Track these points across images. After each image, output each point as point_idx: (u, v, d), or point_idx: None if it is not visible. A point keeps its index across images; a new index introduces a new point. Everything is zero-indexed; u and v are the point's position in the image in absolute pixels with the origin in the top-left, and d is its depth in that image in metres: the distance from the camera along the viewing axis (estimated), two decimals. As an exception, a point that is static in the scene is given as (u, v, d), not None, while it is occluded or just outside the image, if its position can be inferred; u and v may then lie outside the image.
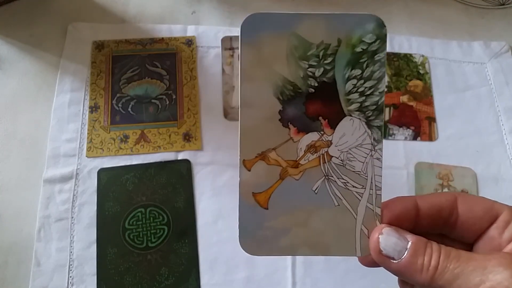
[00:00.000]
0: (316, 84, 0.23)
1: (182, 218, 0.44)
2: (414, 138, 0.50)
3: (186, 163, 0.46)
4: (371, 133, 0.24)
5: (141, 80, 0.49)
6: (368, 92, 0.23)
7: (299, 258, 0.43)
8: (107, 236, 0.43)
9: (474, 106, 0.52)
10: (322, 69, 0.23)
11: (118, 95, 0.49)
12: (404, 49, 0.54)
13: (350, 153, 0.24)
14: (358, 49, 0.23)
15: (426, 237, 0.23)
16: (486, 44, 0.55)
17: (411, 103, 0.51)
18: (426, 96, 0.52)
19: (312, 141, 0.24)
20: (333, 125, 0.24)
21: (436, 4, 0.58)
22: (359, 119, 0.24)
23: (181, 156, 0.46)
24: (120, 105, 0.48)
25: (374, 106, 0.23)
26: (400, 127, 0.50)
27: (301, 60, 0.23)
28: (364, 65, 0.23)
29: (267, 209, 0.24)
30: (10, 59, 0.50)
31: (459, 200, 0.24)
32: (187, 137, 0.47)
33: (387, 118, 0.50)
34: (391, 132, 0.50)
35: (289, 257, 0.43)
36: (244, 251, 0.24)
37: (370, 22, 0.23)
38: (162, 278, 0.41)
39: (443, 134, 0.50)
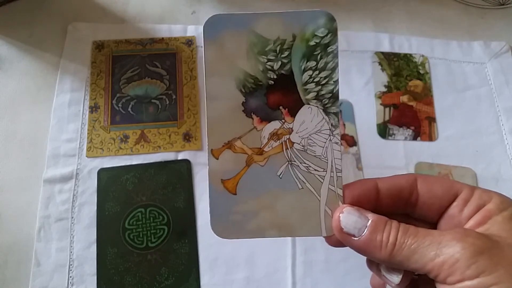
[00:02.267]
0: (275, 77, 0.25)
1: (182, 218, 0.44)
2: (414, 138, 0.50)
3: (186, 163, 0.46)
4: (329, 119, 0.25)
5: (141, 80, 0.49)
6: (324, 82, 0.25)
7: (299, 258, 0.43)
8: (107, 236, 0.43)
9: (474, 106, 0.52)
10: (280, 63, 0.25)
11: (118, 95, 0.49)
12: (404, 49, 0.54)
13: (310, 139, 0.25)
14: (312, 43, 0.25)
15: (390, 217, 0.23)
16: (486, 44, 0.55)
17: (411, 103, 0.51)
18: (426, 96, 0.52)
19: (275, 129, 0.25)
20: (293, 114, 0.25)
21: (436, 4, 0.58)
22: (317, 107, 0.25)
23: (181, 156, 0.46)
24: (120, 105, 0.48)
25: (330, 94, 0.25)
26: (400, 127, 0.50)
27: (260, 55, 0.25)
28: (318, 57, 0.25)
29: (236, 194, 0.25)
30: (10, 59, 0.50)
31: (419, 180, 0.25)
32: (187, 137, 0.47)
33: (387, 118, 0.50)
34: (391, 132, 0.50)
35: (289, 257, 0.43)
36: (215, 235, 0.25)
37: (322, 17, 0.24)
38: (162, 278, 0.41)
39: (443, 134, 0.50)
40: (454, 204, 0.24)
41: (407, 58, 0.54)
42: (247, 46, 0.24)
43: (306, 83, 0.25)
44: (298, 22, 0.24)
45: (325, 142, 0.25)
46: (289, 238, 0.44)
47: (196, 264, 0.42)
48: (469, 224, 0.23)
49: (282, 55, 0.25)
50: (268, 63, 0.25)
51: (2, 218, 0.43)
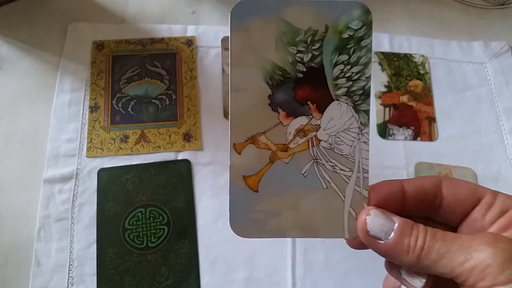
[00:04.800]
0: (305, 70, 0.24)
1: (182, 218, 0.44)
2: (414, 138, 0.50)
3: (186, 163, 0.46)
4: (358, 117, 0.24)
5: (141, 80, 0.49)
6: (355, 77, 0.24)
7: (299, 258, 0.43)
8: (107, 236, 0.43)
9: (474, 106, 0.52)
10: (310, 55, 0.23)
11: (118, 95, 0.49)
12: (404, 49, 0.54)
13: (338, 137, 0.24)
14: (345, 35, 0.23)
15: (412, 220, 0.23)
16: (486, 44, 0.55)
17: (411, 103, 0.51)
18: (426, 96, 0.52)
19: (301, 125, 0.24)
20: (321, 110, 0.24)
21: (436, 4, 0.58)
22: (347, 103, 0.24)
23: (181, 156, 0.46)
24: (120, 105, 0.48)
25: (361, 91, 0.24)
26: (400, 127, 0.50)
27: (290, 46, 0.23)
28: (351, 51, 0.24)
29: (257, 192, 0.24)
30: (10, 59, 0.50)
31: (444, 183, 0.24)
32: (187, 137, 0.47)
33: (387, 118, 0.50)
34: (391, 132, 0.50)
35: (289, 257, 0.43)
36: (234, 234, 0.24)
37: (357, 9, 0.23)
38: (162, 278, 0.41)
39: (443, 134, 0.50)
40: (477, 208, 0.23)
41: (407, 58, 0.54)
42: (276, 35, 0.23)
43: (337, 78, 0.24)
44: (331, 12, 0.23)
45: (353, 141, 0.24)
46: (289, 238, 0.44)
47: (196, 264, 0.42)
48: (493, 229, 0.23)
49: (313, 47, 0.23)
50: (298, 54, 0.23)
51: (2, 218, 0.43)
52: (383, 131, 0.50)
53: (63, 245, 0.42)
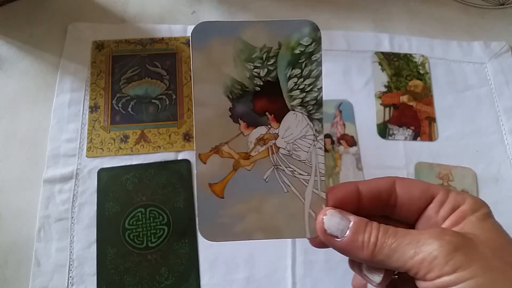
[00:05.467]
0: (262, 83, 0.26)
1: (182, 218, 0.44)
2: (414, 138, 0.50)
3: (186, 163, 0.46)
4: (313, 125, 0.26)
5: (141, 80, 0.49)
6: (308, 89, 0.26)
7: (299, 258, 0.43)
8: (107, 236, 0.43)
9: (474, 106, 0.52)
10: (266, 70, 0.26)
11: (118, 95, 0.49)
12: (404, 49, 0.54)
13: (296, 144, 0.26)
14: (297, 51, 0.25)
15: (371, 219, 0.24)
16: (486, 44, 0.55)
17: (411, 103, 0.51)
18: (426, 96, 0.52)
19: (261, 134, 0.26)
20: (278, 119, 0.26)
21: (436, 4, 0.58)
22: (302, 113, 0.26)
23: (181, 156, 0.46)
24: (120, 105, 0.48)
25: (314, 101, 0.26)
26: (400, 127, 0.50)
27: (247, 62, 0.25)
28: (303, 65, 0.26)
29: (223, 198, 0.26)
30: (10, 59, 0.50)
31: (397, 183, 0.26)
32: (187, 137, 0.47)
33: (387, 118, 0.50)
34: (391, 132, 0.50)
35: (289, 257, 0.43)
36: (203, 238, 0.25)
37: (306, 26, 0.25)
38: (162, 278, 0.41)
39: (443, 134, 0.50)
40: (431, 206, 0.25)
41: (407, 58, 0.54)
42: (234, 53, 0.25)
43: (291, 90, 0.26)
44: (283, 30, 0.25)
45: (310, 147, 0.26)
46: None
47: (196, 264, 0.42)
48: (445, 224, 0.24)
49: (268, 63, 0.25)
50: (255, 70, 0.25)
51: (2, 218, 0.43)
52: (383, 131, 0.50)
53: (63, 245, 0.42)
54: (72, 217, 0.43)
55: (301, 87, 0.26)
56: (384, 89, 0.52)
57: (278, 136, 0.26)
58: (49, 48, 0.50)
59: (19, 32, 0.51)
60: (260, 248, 0.43)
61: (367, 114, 0.50)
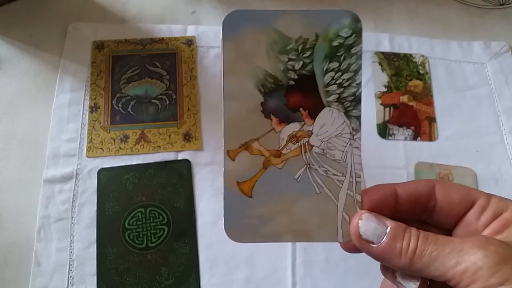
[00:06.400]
0: (296, 77, 0.24)
1: (182, 218, 0.44)
2: (414, 138, 0.50)
3: (186, 163, 0.46)
4: (350, 123, 0.25)
5: (141, 80, 0.49)
6: (346, 84, 0.24)
7: (299, 258, 0.43)
8: (107, 236, 0.43)
9: (474, 106, 0.52)
10: (301, 63, 0.24)
11: (118, 95, 0.49)
12: (404, 49, 0.54)
13: (330, 142, 0.25)
14: (335, 43, 0.24)
15: (406, 223, 0.23)
16: (486, 44, 0.55)
17: (411, 103, 0.51)
18: (426, 96, 0.52)
19: (294, 131, 0.25)
20: (313, 116, 0.25)
21: (436, 4, 0.58)
22: (338, 109, 0.25)
23: (181, 156, 0.46)
24: (120, 105, 0.48)
25: (352, 97, 0.24)
26: (400, 127, 0.50)
27: (281, 54, 0.24)
28: (341, 58, 0.24)
29: (251, 197, 0.24)
30: (10, 59, 0.50)
31: (437, 186, 0.24)
32: (187, 137, 0.47)
33: (387, 118, 0.50)
34: (391, 132, 0.50)
35: (289, 257, 0.43)
36: (229, 239, 0.24)
37: (346, 17, 0.23)
38: (162, 278, 0.41)
39: (443, 134, 0.50)
40: (471, 211, 0.24)
41: (407, 58, 0.54)
42: (267, 44, 0.24)
43: (328, 84, 0.24)
44: (321, 21, 0.23)
45: (345, 146, 0.25)
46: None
47: (196, 264, 0.42)
48: (486, 232, 0.23)
49: (304, 55, 0.24)
50: (289, 62, 0.24)
51: (2, 218, 0.43)
52: (383, 131, 0.50)
53: (63, 245, 0.42)
54: (72, 217, 0.43)
55: (338, 81, 0.24)
56: (384, 89, 0.52)
57: (312, 133, 0.25)
58: (49, 48, 0.50)
59: (19, 32, 0.51)
60: (260, 248, 0.43)
61: (367, 114, 0.50)
